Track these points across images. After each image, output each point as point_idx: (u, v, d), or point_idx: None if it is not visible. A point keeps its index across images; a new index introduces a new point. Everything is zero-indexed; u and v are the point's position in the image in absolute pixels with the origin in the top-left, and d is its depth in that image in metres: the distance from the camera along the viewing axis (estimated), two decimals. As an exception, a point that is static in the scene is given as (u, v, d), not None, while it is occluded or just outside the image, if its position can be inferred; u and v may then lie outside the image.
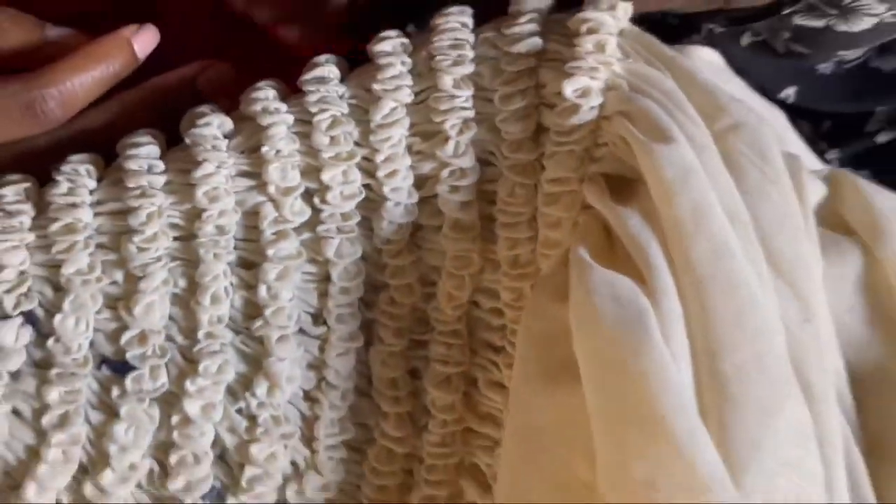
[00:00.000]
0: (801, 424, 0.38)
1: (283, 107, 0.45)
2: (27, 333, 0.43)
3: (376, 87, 0.45)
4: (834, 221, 0.44)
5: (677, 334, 0.39)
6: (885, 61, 0.56)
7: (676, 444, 0.37)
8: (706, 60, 0.46)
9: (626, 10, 0.44)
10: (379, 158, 0.45)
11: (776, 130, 0.45)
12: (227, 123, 0.45)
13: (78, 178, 0.44)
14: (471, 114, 0.45)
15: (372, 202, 0.46)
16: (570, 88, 0.43)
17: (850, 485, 0.41)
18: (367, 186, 0.46)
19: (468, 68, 0.45)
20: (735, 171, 0.41)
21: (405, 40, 0.46)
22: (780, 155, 0.43)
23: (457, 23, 0.46)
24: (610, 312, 0.39)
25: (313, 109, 0.45)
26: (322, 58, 0.46)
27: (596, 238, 0.43)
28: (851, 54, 0.54)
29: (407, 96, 0.45)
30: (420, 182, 0.46)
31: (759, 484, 0.38)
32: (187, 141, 0.45)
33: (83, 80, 0.45)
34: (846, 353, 0.43)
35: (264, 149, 0.44)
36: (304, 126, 0.45)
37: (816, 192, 0.44)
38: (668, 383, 0.37)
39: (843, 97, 0.52)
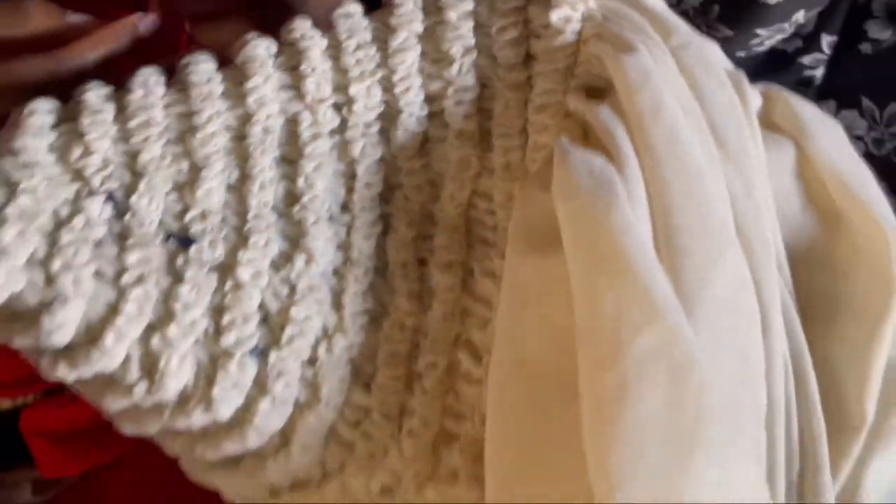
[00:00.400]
0: (739, 272, 0.48)
1: (318, 33, 0.55)
2: (109, 209, 0.52)
3: (392, 20, 0.55)
4: (769, 125, 0.54)
5: (640, 199, 0.49)
6: (788, 44, 0.67)
7: (638, 280, 0.46)
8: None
9: None
10: (396, 77, 0.55)
11: (717, 50, 0.55)
12: (273, 46, 0.55)
13: (150, 85, 0.53)
14: (472, 42, 0.55)
15: (389, 114, 0.56)
16: (555, 16, 0.53)
17: (786, 329, 0.51)
18: (385, 102, 0.56)
19: (469, 5, 0.55)
20: (688, 78, 0.52)
21: None
22: (722, 67, 0.54)
23: None
24: (585, 182, 0.49)
25: (342, 37, 0.55)
26: None
27: (575, 137, 0.53)
28: (766, 35, 0.65)
29: (419, 27, 0.55)
30: (430, 98, 0.56)
31: (705, 317, 0.47)
32: (239, 60, 0.54)
33: (95, 57, 0.55)
34: (784, 234, 0.53)
35: (302, 66, 0.54)
36: (335, 50, 0.55)
37: (756, 99, 0.54)
38: (633, 235, 0.47)
39: (752, 74, 0.63)
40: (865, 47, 0.69)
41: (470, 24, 0.55)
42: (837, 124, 0.56)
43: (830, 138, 0.55)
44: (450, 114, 0.56)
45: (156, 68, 0.54)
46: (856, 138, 0.69)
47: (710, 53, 0.54)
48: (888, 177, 0.61)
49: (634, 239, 0.47)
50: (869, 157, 0.66)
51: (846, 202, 0.54)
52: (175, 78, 0.55)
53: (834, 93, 0.70)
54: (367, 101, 0.55)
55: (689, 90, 0.51)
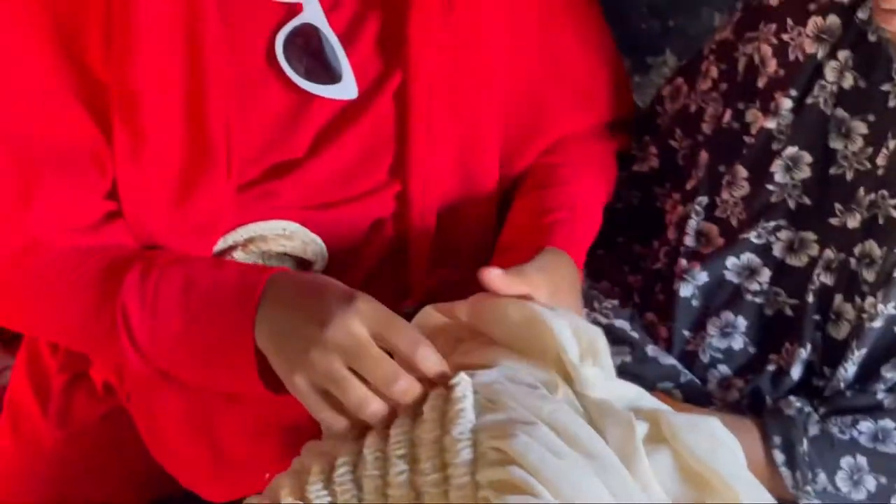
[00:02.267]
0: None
1: None
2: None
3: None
4: (660, 439, 0.80)
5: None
6: None
7: None
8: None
9: (467, 385, 0.80)
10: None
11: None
12: None
13: None
14: (404, 467, 0.81)
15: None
16: (454, 433, 0.79)
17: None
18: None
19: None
20: (563, 432, 0.77)
21: None
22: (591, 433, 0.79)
23: None
24: None
25: None
26: None
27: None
28: None
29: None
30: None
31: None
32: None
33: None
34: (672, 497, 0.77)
35: None
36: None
37: (641, 426, 0.79)
38: None
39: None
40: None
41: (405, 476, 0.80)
42: (708, 429, 0.81)
43: (696, 439, 0.80)
44: None
45: None
46: None
47: (572, 419, 0.79)
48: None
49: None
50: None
51: (709, 474, 0.78)
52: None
53: None
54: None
55: (561, 441, 0.77)
